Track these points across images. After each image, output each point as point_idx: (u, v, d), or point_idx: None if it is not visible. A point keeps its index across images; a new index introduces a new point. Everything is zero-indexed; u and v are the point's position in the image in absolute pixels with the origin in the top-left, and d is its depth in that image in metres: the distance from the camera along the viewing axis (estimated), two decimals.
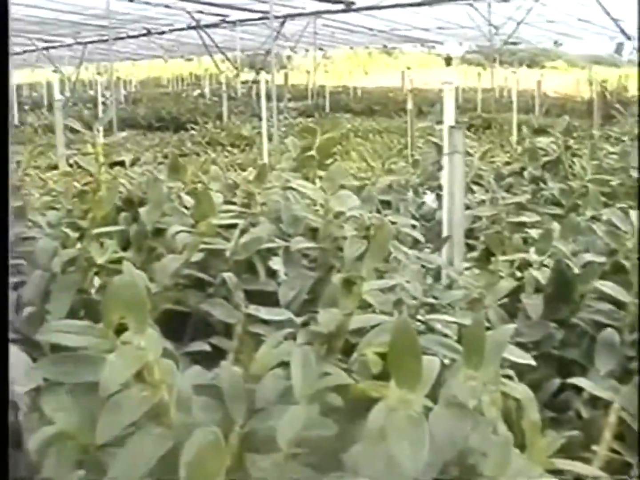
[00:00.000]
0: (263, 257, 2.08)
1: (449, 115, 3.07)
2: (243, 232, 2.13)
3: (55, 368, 1.24)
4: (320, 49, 24.19)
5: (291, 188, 2.58)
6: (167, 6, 16.36)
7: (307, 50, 27.40)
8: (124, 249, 2.11)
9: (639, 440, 1.26)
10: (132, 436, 1.12)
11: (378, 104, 18.91)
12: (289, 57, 29.51)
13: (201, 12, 17.19)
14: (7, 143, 1.20)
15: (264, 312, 1.79)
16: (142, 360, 1.11)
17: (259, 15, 17.09)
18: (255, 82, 19.29)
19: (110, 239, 2.06)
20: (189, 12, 17.07)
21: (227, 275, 1.84)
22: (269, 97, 20.78)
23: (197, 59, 33.01)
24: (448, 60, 37.73)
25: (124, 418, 1.08)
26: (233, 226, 2.12)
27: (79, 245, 1.94)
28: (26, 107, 18.52)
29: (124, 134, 2.80)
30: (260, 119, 14.10)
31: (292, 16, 16.60)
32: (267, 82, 20.57)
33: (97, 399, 1.20)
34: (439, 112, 3.37)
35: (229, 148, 8.71)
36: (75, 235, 2.06)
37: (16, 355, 1.33)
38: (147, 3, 16.01)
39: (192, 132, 10.95)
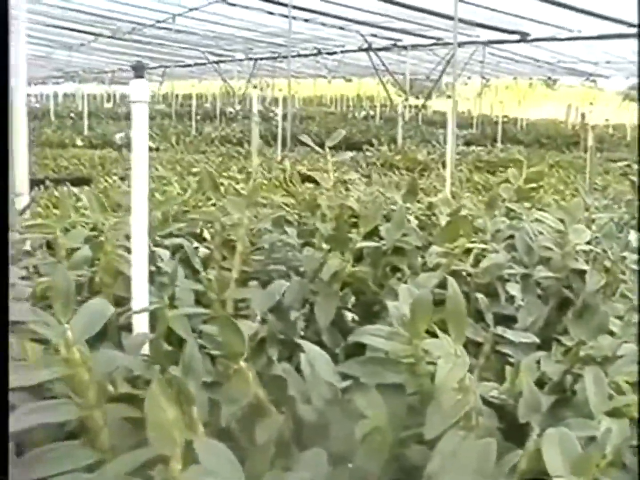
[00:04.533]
0: (501, 281, 2.17)
1: None
2: (478, 256, 2.22)
3: (363, 368, 1.35)
4: (483, 77, 24.06)
5: (517, 217, 2.66)
6: (341, 28, 16.69)
7: (469, 78, 27.37)
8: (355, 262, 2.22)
9: (638, 444, 1.27)
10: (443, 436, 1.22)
11: (546, 137, 18.67)
12: (447, 85, 29.42)
13: (374, 35, 17.48)
14: (7, 143, 1.22)
15: (510, 334, 1.88)
16: (465, 367, 1.21)
17: (432, 41, 17.28)
18: (424, 107, 19.48)
19: (341, 253, 2.18)
20: (362, 35, 17.37)
21: (480, 297, 1.93)
22: (433, 123, 20.88)
23: (358, 80, 33.39)
24: (625, 96, 36.63)
25: (448, 418, 1.18)
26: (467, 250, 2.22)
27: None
28: (198, 118, 19.14)
29: (350, 153, 2.92)
30: (431, 144, 14.26)
31: (464, 44, 16.61)
32: (423, 107, 20.67)
33: (401, 398, 1.31)
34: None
35: (403, 172, 8.82)
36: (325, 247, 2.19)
37: (319, 354, 1.45)
38: (322, 24, 16.38)
39: (367, 153, 11.13)
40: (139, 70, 1.68)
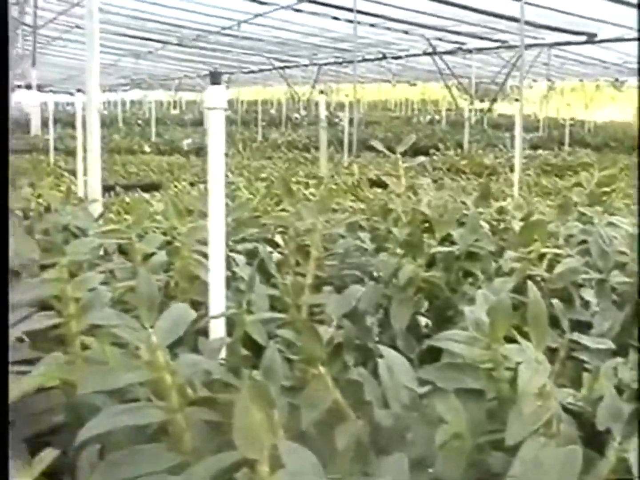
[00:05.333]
0: (576, 287, 2.15)
1: None
2: (552, 261, 2.21)
3: (441, 374, 1.35)
4: (549, 79, 23.79)
5: (589, 222, 2.63)
6: (405, 32, 16.66)
7: (534, 80, 27.08)
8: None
9: (638, 438, 1.24)
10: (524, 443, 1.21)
11: (614, 139, 18.39)
12: (512, 88, 29.15)
13: (440, 39, 17.42)
14: (7, 144, 1.22)
15: (586, 340, 1.86)
16: (546, 373, 1.20)
17: (497, 44, 17.16)
18: (489, 110, 19.33)
19: (414, 258, 2.17)
20: (427, 39, 17.33)
21: (555, 302, 1.92)
22: (498, 126, 20.72)
23: (422, 84, 33.25)
24: None
25: (529, 424, 1.18)
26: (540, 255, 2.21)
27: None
28: (264, 123, 19.25)
29: (421, 158, 2.92)
30: (497, 148, 14.15)
31: (530, 46, 16.46)
32: (488, 110, 20.51)
33: (480, 404, 1.30)
34: None
35: (470, 176, 8.78)
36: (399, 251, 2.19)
37: (397, 359, 1.45)
38: (387, 28, 16.37)
39: (433, 157, 11.09)
40: (215, 78, 1.70)
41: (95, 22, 3.66)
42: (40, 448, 1.27)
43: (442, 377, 1.36)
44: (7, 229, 1.22)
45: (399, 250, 2.15)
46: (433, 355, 1.58)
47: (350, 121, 12.23)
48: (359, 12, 12.98)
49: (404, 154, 2.90)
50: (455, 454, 1.26)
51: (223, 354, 1.65)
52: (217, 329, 1.73)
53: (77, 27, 16.36)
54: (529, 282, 1.37)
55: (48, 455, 1.23)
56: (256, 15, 15.63)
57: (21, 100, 27.49)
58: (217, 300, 1.72)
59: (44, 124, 15.58)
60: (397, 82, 29.24)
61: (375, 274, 2.20)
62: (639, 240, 2.29)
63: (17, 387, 1.34)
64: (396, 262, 2.02)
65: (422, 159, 3.10)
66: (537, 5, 12.52)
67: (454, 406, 1.30)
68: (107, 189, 6.29)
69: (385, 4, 13.83)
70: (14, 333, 1.60)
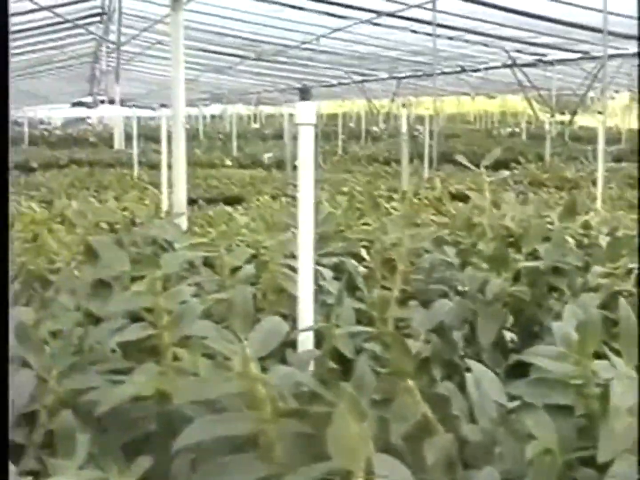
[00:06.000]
0: None
1: None
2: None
3: (530, 389, 1.35)
4: (631, 90, 23.37)
5: None
6: (485, 45, 16.54)
7: (616, 92, 26.63)
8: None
9: (638, 441, 1.19)
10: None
11: None
12: (593, 99, 28.70)
13: (519, 51, 17.25)
14: (7, 144, 1.22)
15: None
16: (637, 390, 1.20)
17: (578, 55, 16.92)
18: (570, 123, 19.07)
19: (499, 272, 2.17)
20: (506, 51, 17.17)
21: None
22: (579, 139, 20.44)
23: (502, 97, 32.98)
24: None
25: (621, 441, 1.17)
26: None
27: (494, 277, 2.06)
28: (343, 137, 19.32)
29: (505, 172, 2.92)
30: (578, 161, 13.96)
31: (612, 57, 16.20)
32: (569, 123, 20.24)
33: (569, 420, 1.30)
34: None
35: (552, 190, 8.68)
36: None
37: (486, 374, 1.45)
38: (466, 41, 16.28)
39: (514, 171, 11.00)
40: (305, 93, 1.73)
41: (179, 38, 3.73)
42: (134, 455, 1.31)
43: (532, 393, 1.36)
44: (7, 229, 1.23)
45: (484, 265, 2.15)
46: (519, 370, 1.58)
47: (430, 134, 12.19)
48: (438, 25, 12.95)
49: (485, 167, 2.90)
50: (546, 469, 1.26)
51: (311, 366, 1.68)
52: (306, 342, 1.75)
53: (159, 43, 16.63)
54: (621, 298, 1.36)
55: (143, 463, 1.27)
56: (335, 30, 15.67)
57: (104, 114, 28.06)
58: (306, 313, 1.75)
59: (127, 138, 15.88)
60: (477, 94, 29.05)
61: (460, 288, 2.20)
62: None
63: (112, 396, 1.38)
64: (482, 277, 2.02)
65: (504, 172, 3.09)
66: (620, 15, 12.32)
67: (543, 421, 1.30)
68: (190, 202, 6.38)
69: (464, 17, 13.75)
70: (110, 344, 1.65)
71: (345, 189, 7.33)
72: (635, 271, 2.17)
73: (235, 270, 2.34)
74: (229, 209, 6.11)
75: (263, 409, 1.24)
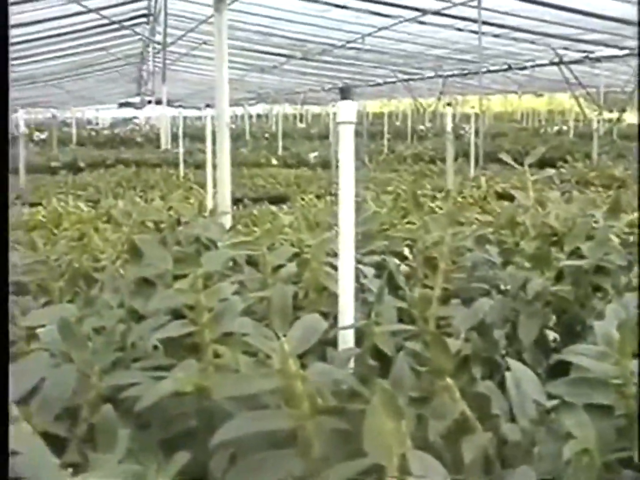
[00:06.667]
0: None
1: None
2: None
3: (570, 388, 1.34)
4: None
5: None
6: (531, 42, 16.42)
7: None
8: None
9: (638, 436, 1.16)
10: None
11: None
12: None
13: (566, 48, 17.09)
14: (7, 143, 1.22)
15: None
16: None
17: (626, 51, 16.72)
18: (619, 120, 18.84)
19: (542, 271, 2.15)
20: (553, 49, 17.03)
21: None
22: (627, 137, 20.17)
23: (549, 95, 32.72)
24: None
25: None
26: None
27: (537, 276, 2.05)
28: (389, 136, 19.29)
29: (550, 171, 2.90)
30: (627, 159, 13.78)
31: None
32: (618, 121, 20.00)
33: (609, 420, 1.29)
34: None
35: (600, 188, 8.58)
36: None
37: (525, 373, 1.45)
38: (512, 39, 16.18)
39: (561, 170, 10.90)
40: (345, 92, 1.73)
41: (223, 38, 3.75)
42: (173, 451, 1.32)
43: (571, 392, 1.35)
44: (7, 229, 1.22)
45: (526, 264, 2.14)
46: (561, 369, 1.56)
47: (476, 133, 12.13)
48: (483, 23, 12.87)
49: (531, 166, 2.88)
50: (584, 470, 1.25)
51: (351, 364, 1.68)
52: (346, 340, 1.75)
53: (205, 43, 16.74)
54: None
55: (181, 458, 1.28)
56: (380, 29, 15.67)
57: (151, 115, 28.31)
58: (346, 311, 1.75)
59: (173, 138, 15.99)
60: (523, 93, 28.85)
61: (502, 287, 2.19)
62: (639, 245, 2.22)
63: (153, 392, 1.40)
64: (523, 276, 2.01)
65: (550, 171, 3.07)
66: None
67: (582, 421, 1.29)
68: (235, 201, 6.42)
69: (510, 14, 13.67)
70: (151, 341, 1.67)
71: (390, 188, 7.32)
72: None
73: (277, 268, 2.35)
74: (273, 208, 6.14)
75: (300, 405, 1.25)
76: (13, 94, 21.04)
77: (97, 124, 33.87)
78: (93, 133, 24.84)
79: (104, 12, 13.01)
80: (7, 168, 1.21)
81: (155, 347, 1.75)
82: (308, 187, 9.42)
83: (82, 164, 14.65)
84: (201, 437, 1.34)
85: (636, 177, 5.64)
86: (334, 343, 1.78)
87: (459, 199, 5.15)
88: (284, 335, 1.29)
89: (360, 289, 2.11)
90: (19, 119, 11.64)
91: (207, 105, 4.56)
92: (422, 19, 14.26)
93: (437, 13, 13.49)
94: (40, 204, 6.68)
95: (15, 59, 15.13)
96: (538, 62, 19.33)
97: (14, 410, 1.22)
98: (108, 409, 1.30)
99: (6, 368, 1.17)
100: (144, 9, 14.59)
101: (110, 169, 12.95)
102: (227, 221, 3.36)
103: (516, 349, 1.93)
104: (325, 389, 1.38)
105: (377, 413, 1.00)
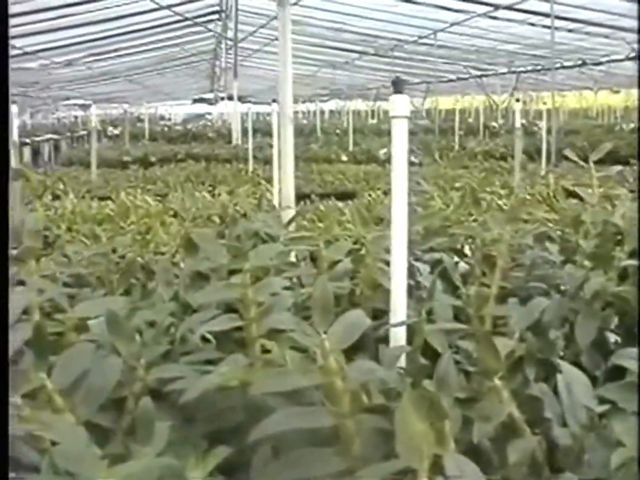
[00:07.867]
0: None
1: None
2: None
3: (622, 393, 1.30)
4: None
5: None
6: (606, 37, 16.13)
7: None
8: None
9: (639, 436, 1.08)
10: None
11: None
12: None
13: None
14: (7, 143, 1.22)
15: None
16: None
17: None
18: None
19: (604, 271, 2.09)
20: (628, 43, 16.70)
21: None
22: None
23: (626, 91, 32.10)
24: None
25: None
26: None
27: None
28: (461, 132, 19.14)
29: (616, 168, 2.85)
30: None
31: None
32: None
33: None
34: None
35: None
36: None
37: (577, 376, 1.40)
38: (586, 33, 15.92)
39: (634, 167, 10.67)
40: (398, 86, 1.71)
41: (287, 34, 3.74)
42: (215, 444, 1.32)
43: (623, 397, 1.30)
44: (7, 229, 1.23)
45: (587, 263, 2.08)
46: (620, 373, 1.52)
47: (549, 130, 11.94)
48: (556, 17, 12.66)
49: (602, 163, 2.81)
50: (632, 479, 1.21)
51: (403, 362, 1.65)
52: (398, 337, 1.73)
53: (276, 39, 16.82)
54: None
55: (221, 452, 1.27)
56: (452, 24, 15.55)
57: (223, 110, 28.52)
58: (398, 308, 1.72)
59: (245, 133, 16.08)
60: (599, 89, 28.36)
61: (562, 286, 2.14)
62: (639, 240, 2.13)
63: (197, 386, 1.39)
64: (582, 275, 1.96)
65: (616, 168, 3.00)
66: None
67: (632, 428, 1.24)
68: (303, 197, 6.42)
69: (583, 8, 13.45)
70: (198, 333, 1.66)
71: (459, 185, 7.23)
72: None
73: (335, 264, 2.33)
74: (340, 204, 6.12)
75: (341, 403, 1.23)
76: (90, 89, 21.40)
77: (169, 119, 34.27)
78: (166, 129, 25.11)
79: (177, 9, 13.14)
80: (7, 168, 1.21)
81: (207, 341, 1.74)
82: (376, 183, 9.35)
83: (153, 159, 14.79)
84: (244, 432, 1.33)
85: None
86: (387, 340, 1.76)
87: (526, 197, 5.07)
88: (325, 332, 1.27)
89: (416, 286, 2.08)
90: (92, 114, 11.81)
91: (274, 101, 4.56)
92: (494, 14, 14.11)
93: (509, 8, 13.34)
94: (109, 197, 6.76)
95: (94, 54, 15.38)
96: (613, 57, 18.96)
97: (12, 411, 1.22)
98: (147, 401, 1.30)
99: (6, 368, 1.16)
100: (216, 5, 14.69)
101: (181, 163, 13.04)
102: (290, 216, 3.35)
103: (574, 350, 1.88)
104: (373, 387, 1.36)
105: (407, 413, 0.97)
